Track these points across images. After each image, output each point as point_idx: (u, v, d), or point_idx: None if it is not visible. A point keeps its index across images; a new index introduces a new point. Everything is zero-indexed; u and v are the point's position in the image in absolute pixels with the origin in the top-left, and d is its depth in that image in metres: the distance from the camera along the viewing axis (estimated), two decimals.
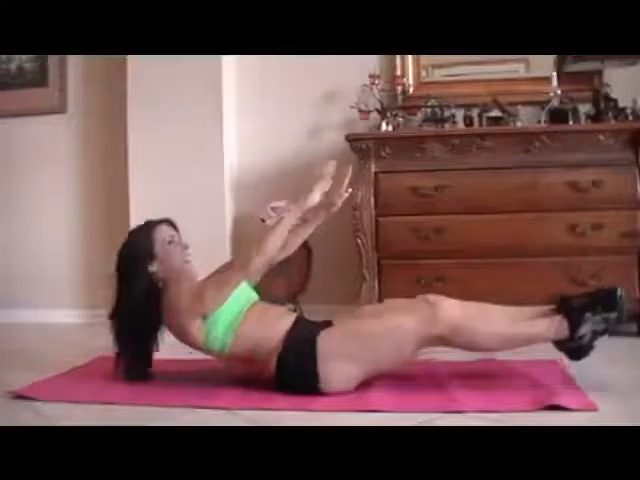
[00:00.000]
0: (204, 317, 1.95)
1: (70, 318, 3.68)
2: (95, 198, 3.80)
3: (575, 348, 1.90)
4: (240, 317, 1.97)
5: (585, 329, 1.86)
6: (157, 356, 2.17)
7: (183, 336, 2.01)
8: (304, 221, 2.20)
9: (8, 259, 3.86)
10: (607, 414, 1.64)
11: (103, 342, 2.17)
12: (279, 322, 1.97)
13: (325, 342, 1.88)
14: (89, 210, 3.81)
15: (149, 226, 2.13)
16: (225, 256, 3.03)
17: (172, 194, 3.29)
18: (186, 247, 2.15)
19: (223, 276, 1.98)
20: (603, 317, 1.87)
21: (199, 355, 2.09)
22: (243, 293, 2.04)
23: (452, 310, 1.88)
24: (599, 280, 2.78)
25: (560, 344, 1.91)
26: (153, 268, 2.06)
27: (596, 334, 1.88)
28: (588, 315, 1.86)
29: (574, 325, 1.87)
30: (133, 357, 2.12)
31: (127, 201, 3.41)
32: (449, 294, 1.94)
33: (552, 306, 1.94)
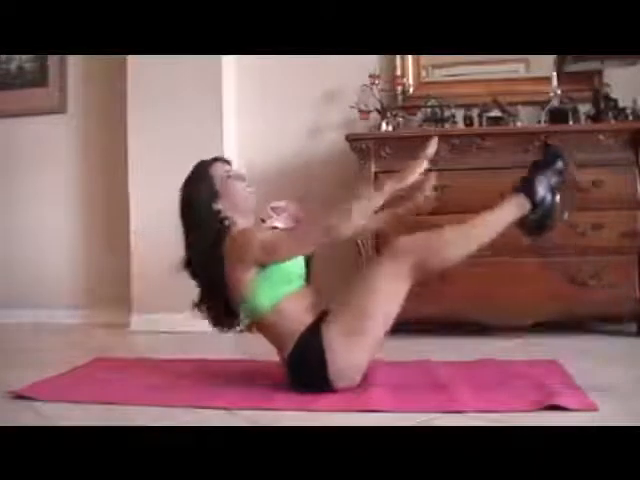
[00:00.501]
0: (260, 268, 1.87)
1: (70, 318, 3.68)
2: (95, 198, 3.80)
3: (543, 215, 1.93)
4: (286, 294, 1.90)
5: (542, 189, 1.92)
6: (158, 356, 2.17)
7: (234, 282, 1.91)
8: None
9: (8, 259, 3.86)
10: (607, 414, 1.63)
11: (103, 342, 2.18)
12: (304, 316, 1.91)
13: (329, 336, 1.86)
14: (89, 210, 3.81)
15: (204, 165, 2.06)
16: None
17: (172, 194, 3.26)
18: (244, 179, 2.09)
19: (306, 232, 1.92)
20: (552, 170, 1.95)
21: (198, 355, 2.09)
22: (298, 264, 1.98)
23: (411, 241, 1.90)
24: (599, 280, 2.78)
25: (527, 222, 1.94)
26: (218, 206, 1.99)
27: (555, 189, 1.94)
28: (539, 177, 1.93)
29: (531, 191, 1.91)
30: (216, 306, 2.00)
31: (127, 201, 3.41)
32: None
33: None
